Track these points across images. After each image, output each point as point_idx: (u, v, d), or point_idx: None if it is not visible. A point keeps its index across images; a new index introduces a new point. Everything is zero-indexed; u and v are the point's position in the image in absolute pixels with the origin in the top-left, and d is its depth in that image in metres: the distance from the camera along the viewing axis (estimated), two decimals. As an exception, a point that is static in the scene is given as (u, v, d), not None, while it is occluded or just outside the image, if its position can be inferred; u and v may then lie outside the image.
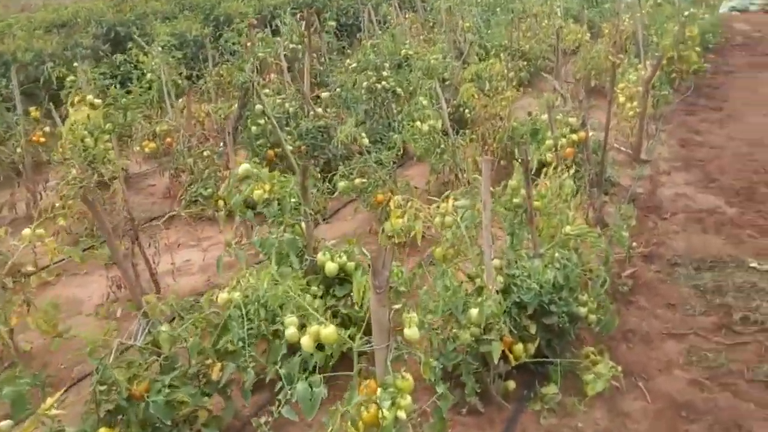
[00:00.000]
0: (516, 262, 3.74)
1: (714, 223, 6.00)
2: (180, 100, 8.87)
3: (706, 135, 8.73)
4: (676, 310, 4.64)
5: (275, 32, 11.42)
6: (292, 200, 3.60)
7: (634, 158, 7.63)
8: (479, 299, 3.25)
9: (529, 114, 6.64)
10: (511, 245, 3.99)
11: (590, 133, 6.46)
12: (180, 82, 9.35)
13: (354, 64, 8.09)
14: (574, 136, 5.61)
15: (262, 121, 6.30)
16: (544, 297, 3.43)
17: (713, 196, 6.63)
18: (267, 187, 3.55)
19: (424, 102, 6.63)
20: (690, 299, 4.74)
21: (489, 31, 13.06)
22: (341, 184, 5.51)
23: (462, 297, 3.27)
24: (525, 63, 11.84)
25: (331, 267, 3.65)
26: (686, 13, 10.61)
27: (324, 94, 7.36)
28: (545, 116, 6.71)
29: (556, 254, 3.78)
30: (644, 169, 7.30)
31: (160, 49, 10.17)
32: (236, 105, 6.19)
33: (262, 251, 3.54)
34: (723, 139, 8.54)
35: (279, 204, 3.45)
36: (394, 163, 7.83)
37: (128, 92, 7.94)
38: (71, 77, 7.95)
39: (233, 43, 9.62)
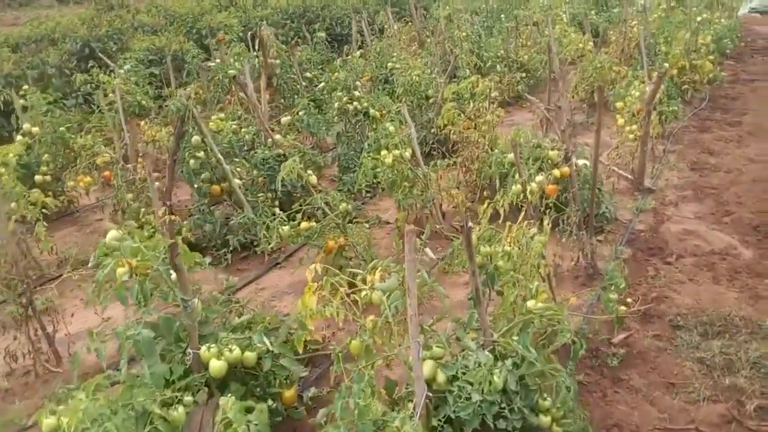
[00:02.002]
0: (461, 354, 2.91)
1: (727, 270, 5.10)
2: (143, 122, 8.20)
3: (721, 156, 7.80)
4: (676, 392, 3.76)
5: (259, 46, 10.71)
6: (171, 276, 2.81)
7: (637, 186, 6.73)
8: (396, 420, 2.42)
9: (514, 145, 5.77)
10: (461, 325, 3.17)
11: (582, 162, 5.62)
12: (145, 102, 8.67)
13: (322, 84, 7.30)
14: (556, 172, 4.77)
15: (201, 154, 5.52)
16: (487, 411, 2.60)
17: (727, 234, 5.72)
18: (133, 262, 2.77)
19: (391, 128, 5.82)
20: (693, 378, 3.85)
21: (491, 40, 12.16)
22: (284, 229, 4.71)
23: (374, 417, 2.44)
24: (524, 75, 10.99)
25: (216, 367, 2.84)
26: (699, 18, 9.65)
27: (284, 119, 6.58)
28: (535, 142, 5.90)
29: (514, 338, 2.95)
30: (647, 200, 6.41)
31: (127, 67, 9.55)
32: (173, 136, 5.44)
33: (119, 349, 2.75)
34: (741, 160, 7.61)
35: (140, 286, 2.67)
36: (367, 193, 7.07)
37: (68, 116, 7.26)
38: (21, 101, 7.33)
39: (202, 60, 8.90)
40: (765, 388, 3.68)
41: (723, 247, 5.49)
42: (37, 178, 6.56)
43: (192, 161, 5.49)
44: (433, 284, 2.89)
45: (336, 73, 7.04)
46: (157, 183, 5.51)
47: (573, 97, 9.79)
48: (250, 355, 2.98)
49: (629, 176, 6.86)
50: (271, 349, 2.99)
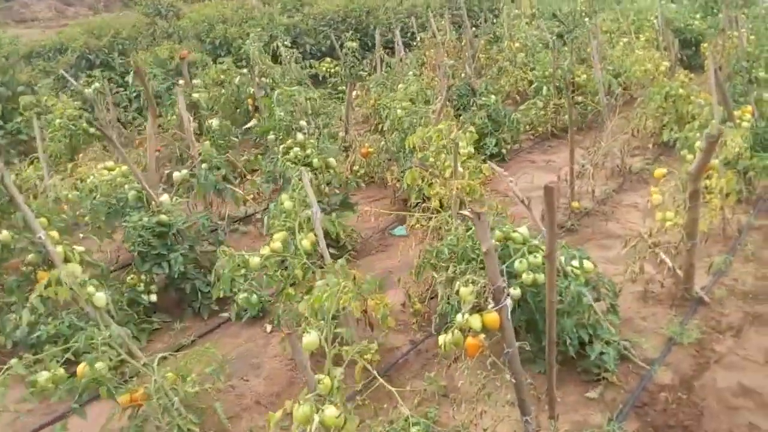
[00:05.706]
0: None
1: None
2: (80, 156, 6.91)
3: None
4: None
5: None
6: None
7: (683, 292, 4.43)
8: None
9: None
10: None
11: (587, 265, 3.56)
12: (92, 130, 7.40)
13: (252, 122, 5.57)
14: (474, 322, 2.75)
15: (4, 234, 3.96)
16: None
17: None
18: None
19: (287, 204, 4.00)
20: None
21: (539, 55, 9.85)
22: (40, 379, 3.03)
23: None
24: (579, 100, 8.59)
25: None
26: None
27: (176, 174, 4.90)
28: (506, 229, 3.93)
29: None
30: (689, 323, 4.12)
31: (96, 86, 8.36)
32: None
33: None
34: None
35: None
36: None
37: None
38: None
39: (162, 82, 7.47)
40: None
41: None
42: None
43: (-7, 240, 3.95)
44: None
45: (273, 109, 5.26)
46: None
47: (637, 132, 7.43)
48: None
49: (671, 264, 4.50)
50: None
